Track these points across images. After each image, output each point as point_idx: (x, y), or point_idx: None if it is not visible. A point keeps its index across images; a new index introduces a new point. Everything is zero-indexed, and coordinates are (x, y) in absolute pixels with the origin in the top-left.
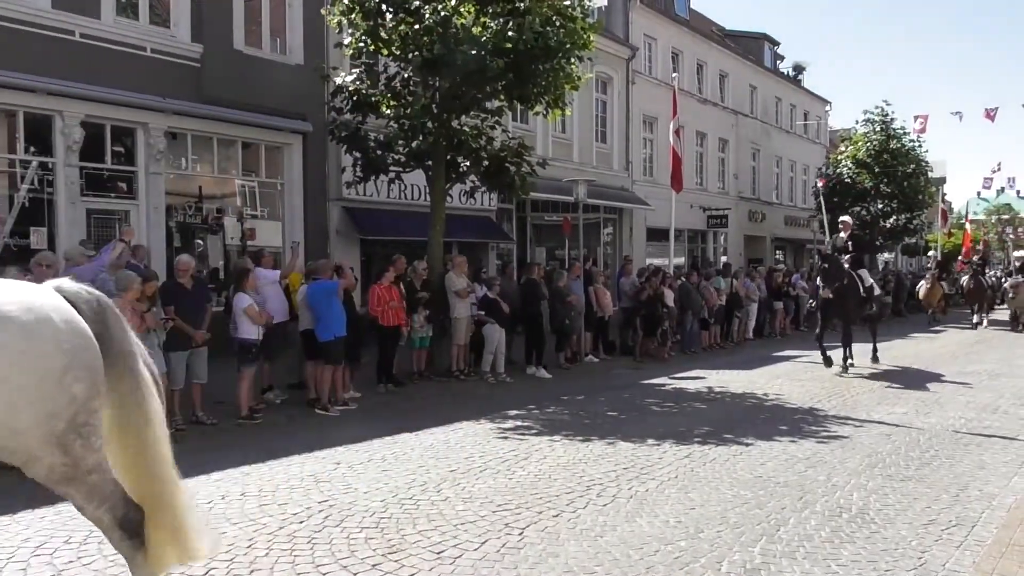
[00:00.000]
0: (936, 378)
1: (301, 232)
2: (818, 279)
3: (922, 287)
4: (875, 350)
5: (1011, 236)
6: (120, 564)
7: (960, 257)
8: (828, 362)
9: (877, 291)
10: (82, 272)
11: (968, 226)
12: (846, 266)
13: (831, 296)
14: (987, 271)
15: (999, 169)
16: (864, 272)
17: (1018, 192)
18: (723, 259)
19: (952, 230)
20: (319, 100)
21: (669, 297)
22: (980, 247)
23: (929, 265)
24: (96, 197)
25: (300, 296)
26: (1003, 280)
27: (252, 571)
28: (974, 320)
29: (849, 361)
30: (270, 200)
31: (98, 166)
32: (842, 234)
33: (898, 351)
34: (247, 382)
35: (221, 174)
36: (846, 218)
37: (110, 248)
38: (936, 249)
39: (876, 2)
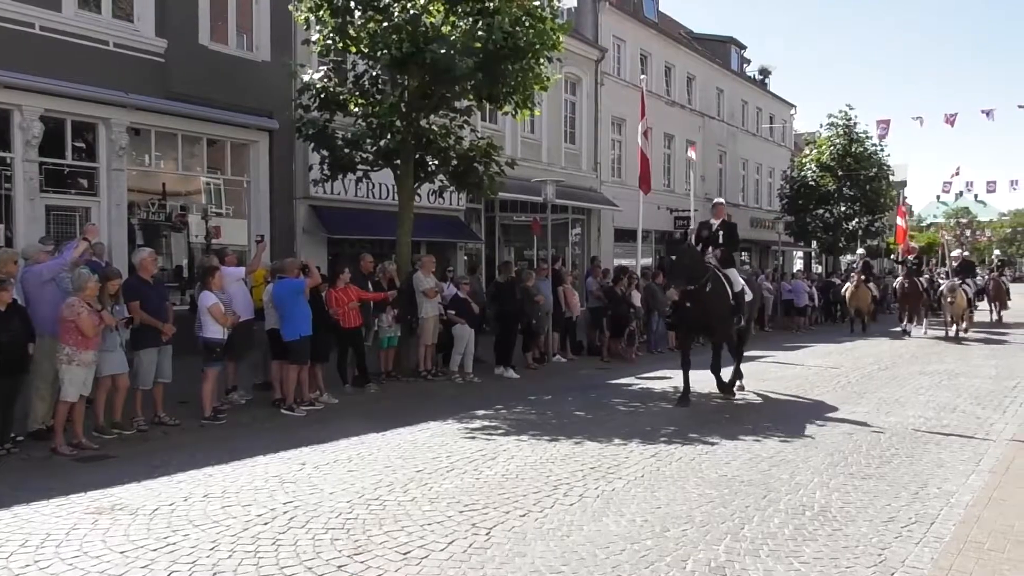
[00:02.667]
0: (897, 378)
1: (267, 230)
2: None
3: (847, 289)
4: (738, 373)
5: (950, 239)
6: (79, 568)
7: (892, 256)
8: (685, 400)
9: (749, 296)
10: (42, 270)
11: (900, 220)
12: (712, 262)
13: (686, 302)
14: (924, 271)
15: (958, 173)
16: (734, 273)
17: (976, 196)
18: None
19: (912, 232)
20: (286, 97)
21: (636, 298)
22: (912, 247)
23: (854, 264)
24: (56, 193)
25: (266, 295)
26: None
27: (215, 574)
28: (903, 326)
29: (738, 384)
30: (236, 198)
31: (58, 162)
32: (713, 220)
33: (860, 351)
34: (211, 382)
35: (185, 171)
36: (719, 200)
37: (72, 246)
38: (881, 249)
39: (841, 9)
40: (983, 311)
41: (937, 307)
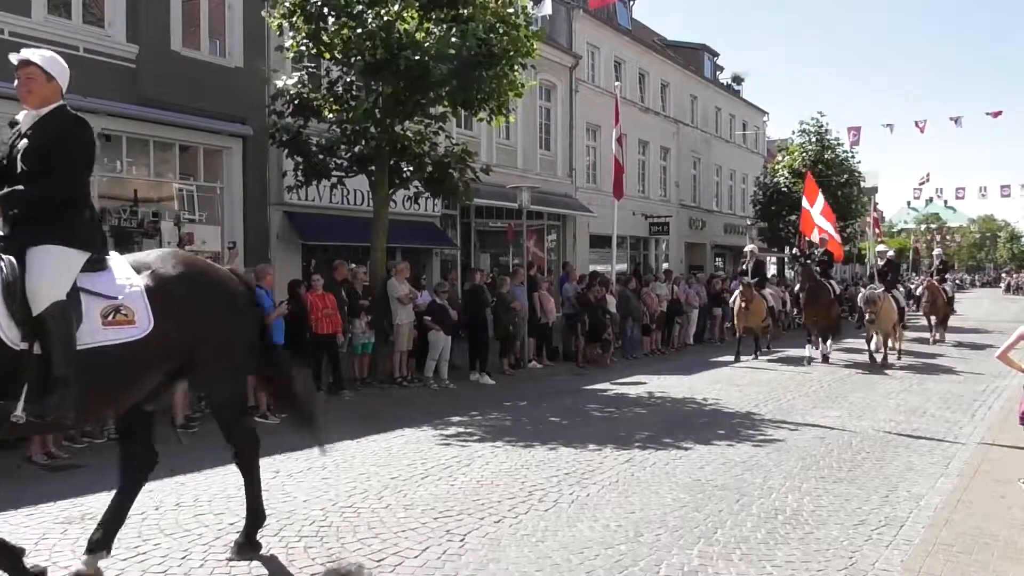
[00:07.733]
0: (868, 382)
1: (241, 237)
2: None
3: (734, 301)
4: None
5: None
6: None
7: (793, 251)
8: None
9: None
10: None
11: (806, 203)
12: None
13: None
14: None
15: (927, 180)
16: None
17: (945, 202)
18: (664, 266)
19: (884, 237)
20: (260, 103)
21: (612, 304)
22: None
23: (742, 267)
24: None
25: None
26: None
27: None
28: (807, 351)
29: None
30: (209, 204)
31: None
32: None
33: (832, 356)
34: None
35: (157, 177)
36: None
37: None
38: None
39: (812, 18)
40: (914, 316)
41: (858, 323)
